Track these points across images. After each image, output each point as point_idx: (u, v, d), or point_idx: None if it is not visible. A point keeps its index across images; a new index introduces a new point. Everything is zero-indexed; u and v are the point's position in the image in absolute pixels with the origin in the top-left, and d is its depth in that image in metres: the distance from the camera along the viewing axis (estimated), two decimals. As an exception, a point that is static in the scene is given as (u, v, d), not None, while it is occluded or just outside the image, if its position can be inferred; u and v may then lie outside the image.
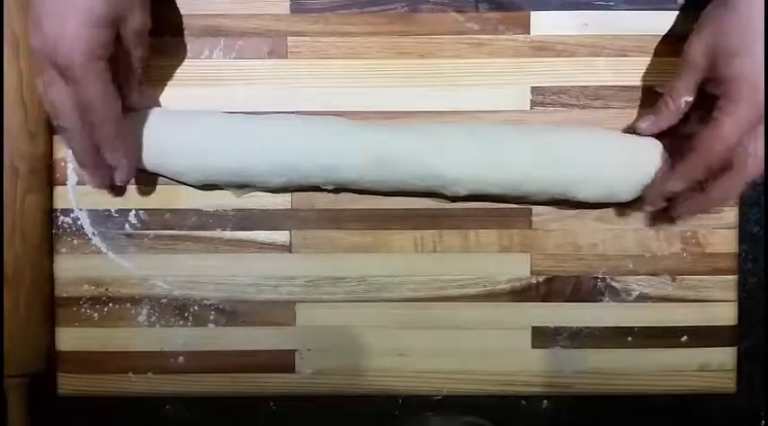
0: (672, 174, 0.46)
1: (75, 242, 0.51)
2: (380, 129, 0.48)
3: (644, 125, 0.48)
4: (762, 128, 0.44)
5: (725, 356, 0.51)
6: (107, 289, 0.51)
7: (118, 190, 0.51)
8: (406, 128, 0.48)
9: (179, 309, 0.51)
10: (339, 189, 0.50)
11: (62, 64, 0.42)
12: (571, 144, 0.47)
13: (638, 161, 0.47)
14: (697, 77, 0.46)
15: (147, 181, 0.51)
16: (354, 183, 0.48)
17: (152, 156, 0.48)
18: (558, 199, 0.49)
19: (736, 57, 0.43)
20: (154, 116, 0.48)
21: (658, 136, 0.48)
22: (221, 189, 0.51)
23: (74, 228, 0.51)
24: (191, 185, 0.50)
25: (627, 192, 0.48)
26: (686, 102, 0.47)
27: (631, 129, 0.50)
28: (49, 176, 0.51)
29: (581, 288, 0.51)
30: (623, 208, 0.51)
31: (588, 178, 0.47)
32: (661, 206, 0.48)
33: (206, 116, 0.48)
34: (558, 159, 0.47)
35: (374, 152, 0.47)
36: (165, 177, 0.50)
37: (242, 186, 0.50)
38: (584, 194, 0.48)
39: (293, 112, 0.50)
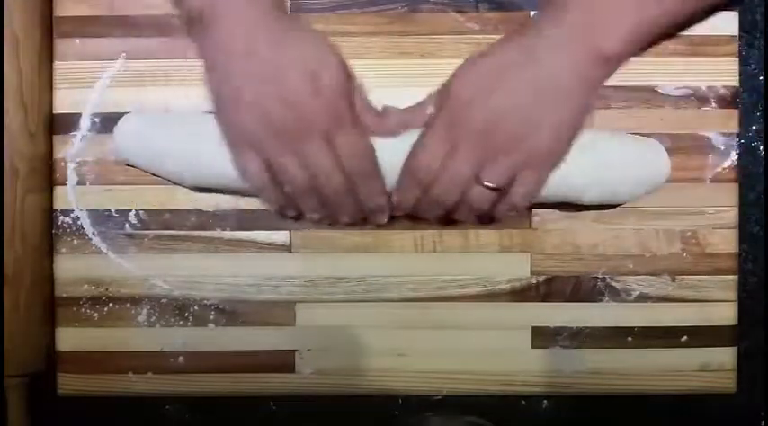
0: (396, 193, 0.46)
1: (76, 242, 0.51)
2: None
3: (392, 114, 0.46)
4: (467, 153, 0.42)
5: (725, 356, 0.51)
6: (107, 289, 0.51)
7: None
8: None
9: (179, 309, 0.51)
10: None
11: (332, 121, 0.41)
12: (576, 147, 0.47)
13: (641, 162, 0.47)
14: (441, 90, 0.44)
15: (147, 181, 0.51)
16: None
17: (150, 158, 0.48)
18: (561, 203, 0.49)
19: (461, 72, 0.42)
20: (152, 118, 0.48)
21: None
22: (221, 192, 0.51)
23: (74, 228, 0.51)
24: (187, 188, 0.50)
25: (630, 193, 0.48)
26: (430, 112, 0.45)
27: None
28: (49, 176, 0.51)
29: (581, 288, 0.51)
30: (623, 207, 0.51)
31: (594, 181, 0.47)
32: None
33: (201, 118, 0.48)
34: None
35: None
36: (164, 178, 0.50)
37: (236, 191, 0.50)
38: (589, 197, 0.48)
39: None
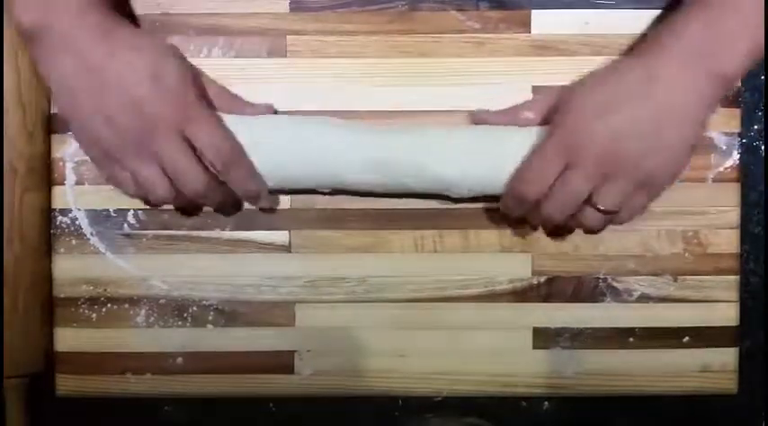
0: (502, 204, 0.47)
1: (74, 242, 0.51)
2: (380, 133, 0.47)
3: (479, 114, 0.48)
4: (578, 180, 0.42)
5: (726, 356, 0.51)
6: (105, 290, 0.51)
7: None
8: (404, 132, 0.47)
9: (178, 310, 0.51)
10: (336, 192, 0.49)
11: (180, 117, 0.42)
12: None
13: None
14: (546, 101, 0.46)
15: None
16: (353, 187, 0.48)
17: None
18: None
19: (579, 91, 0.43)
20: None
21: None
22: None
23: (72, 228, 0.51)
24: None
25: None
26: (527, 116, 0.46)
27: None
28: (47, 176, 0.51)
29: (582, 289, 0.51)
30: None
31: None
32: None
33: None
34: None
35: (374, 159, 0.46)
36: None
37: None
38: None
39: (292, 112, 0.50)
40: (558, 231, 0.49)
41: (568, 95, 0.44)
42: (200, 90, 0.45)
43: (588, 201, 0.43)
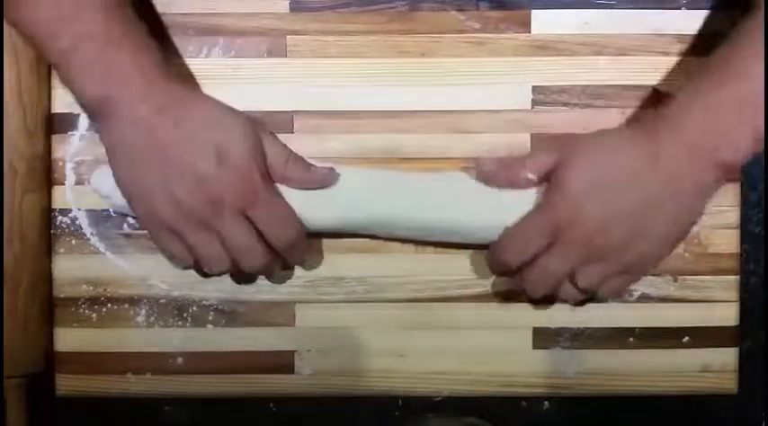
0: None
1: (74, 242, 0.51)
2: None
3: (484, 169, 0.46)
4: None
5: (726, 356, 0.51)
6: (105, 290, 0.51)
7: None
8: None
9: (178, 310, 0.51)
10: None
11: (244, 198, 0.41)
12: None
13: None
14: (546, 162, 0.44)
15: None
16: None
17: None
18: None
19: (578, 160, 0.42)
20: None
21: None
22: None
23: (72, 228, 0.51)
24: None
25: None
26: (526, 178, 0.44)
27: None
28: (47, 176, 0.51)
29: (582, 289, 0.51)
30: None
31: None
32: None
33: None
34: None
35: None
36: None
37: None
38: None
39: (292, 110, 0.50)
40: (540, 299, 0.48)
41: (565, 163, 0.42)
42: (266, 165, 0.44)
43: (569, 279, 0.43)
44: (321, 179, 0.45)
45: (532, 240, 0.42)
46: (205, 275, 0.47)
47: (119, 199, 0.46)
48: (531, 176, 0.44)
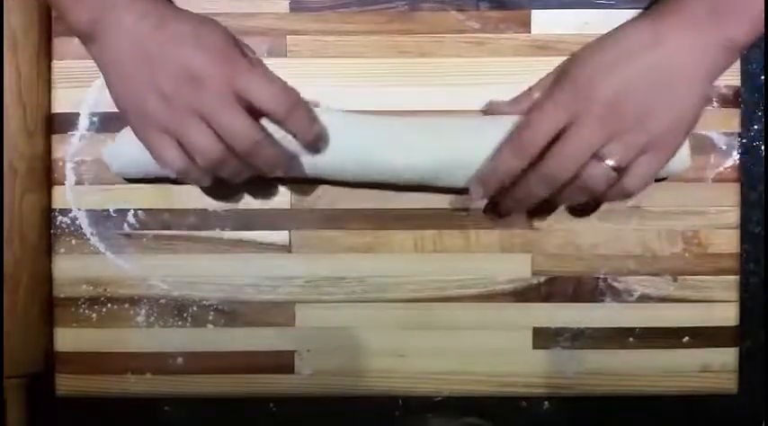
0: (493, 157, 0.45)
1: (74, 242, 0.51)
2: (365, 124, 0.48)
3: (495, 106, 0.49)
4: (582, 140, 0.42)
5: (726, 356, 0.51)
6: (105, 290, 0.51)
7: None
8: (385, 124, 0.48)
9: (178, 310, 0.51)
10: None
11: (228, 70, 0.42)
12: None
13: None
14: (554, 73, 0.46)
15: (146, 180, 0.51)
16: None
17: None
18: None
19: (585, 50, 0.44)
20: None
21: None
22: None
23: (72, 228, 0.51)
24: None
25: None
26: (537, 97, 0.47)
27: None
28: (47, 176, 0.51)
29: (582, 289, 0.51)
30: (625, 207, 0.50)
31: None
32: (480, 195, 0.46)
33: None
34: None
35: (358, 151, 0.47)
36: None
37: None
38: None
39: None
40: (540, 207, 0.47)
41: (573, 56, 0.44)
42: (240, 46, 0.46)
43: (594, 156, 0.42)
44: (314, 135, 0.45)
45: (551, 119, 0.42)
46: (193, 178, 0.46)
47: (132, 170, 0.48)
48: (540, 95, 0.46)
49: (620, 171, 0.42)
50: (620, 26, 0.44)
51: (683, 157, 0.47)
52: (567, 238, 0.51)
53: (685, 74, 0.41)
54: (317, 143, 0.46)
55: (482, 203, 0.50)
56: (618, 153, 0.42)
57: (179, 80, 0.42)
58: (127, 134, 0.47)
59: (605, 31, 0.50)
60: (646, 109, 0.41)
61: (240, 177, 0.46)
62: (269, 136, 0.44)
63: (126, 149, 0.48)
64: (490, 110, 0.49)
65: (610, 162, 0.42)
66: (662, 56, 0.41)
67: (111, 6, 0.43)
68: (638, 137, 0.42)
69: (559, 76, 0.45)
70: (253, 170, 0.45)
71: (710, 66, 0.42)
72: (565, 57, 0.50)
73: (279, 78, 0.45)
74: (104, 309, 0.51)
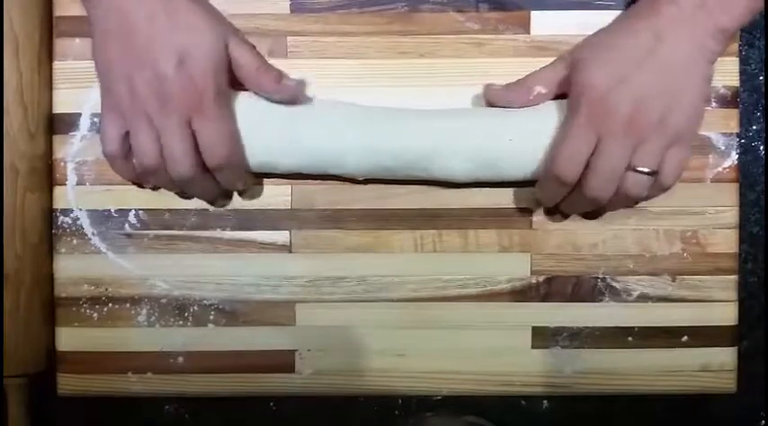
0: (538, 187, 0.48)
1: (75, 242, 0.51)
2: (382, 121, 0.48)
3: (492, 89, 0.49)
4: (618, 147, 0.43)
5: (725, 356, 0.51)
6: (107, 289, 0.51)
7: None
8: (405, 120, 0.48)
9: (179, 309, 0.51)
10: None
11: (192, 106, 0.43)
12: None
13: None
14: (557, 73, 0.47)
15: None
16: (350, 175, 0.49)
17: None
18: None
19: (591, 62, 0.44)
20: None
21: None
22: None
23: (73, 228, 0.51)
24: None
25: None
26: (539, 92, 0.47)
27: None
28: (48, 176, 0.51)
29: (581, 288, 0.51)
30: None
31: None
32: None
33: None
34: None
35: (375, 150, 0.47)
36: None
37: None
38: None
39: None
40: (599, 210, 0.49)
41: (580, 68, 0.44)
42: (227, 79, 0.45)
43: (628, 168, 0.44)
44: (289, 90, 0.47)
45: (583, 142, 0.43)
46: (121, 173, 0.48)
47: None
48: (543, 90, 0.47)
49: (654, 172, 0.44)
50: (617, 31, 0.45)
51: None
52: (566, 238, 0.51)
53: (689, 66, 0.43)
54: (236, 188, 0.50)
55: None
56: (648, 159, 0.43)
57: (148, 85, 0.42)
58: None
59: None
60: (663, 110, 0.43)
61: (170, 188, 0.49)
62: (204, 174, 0.45)
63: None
64: (487, 94, 0.49)
65: (644, 169, 0.44)
66: (665, 55, 0.42)
67: None
68: (662, 138, 0.43)
69: (574, 93, 0.44)
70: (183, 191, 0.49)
71: (706, 56, 0.43)
72: (564, 58, 0.50)
73: (229, 130, 0.45)
74: (105, 309, 0.51)
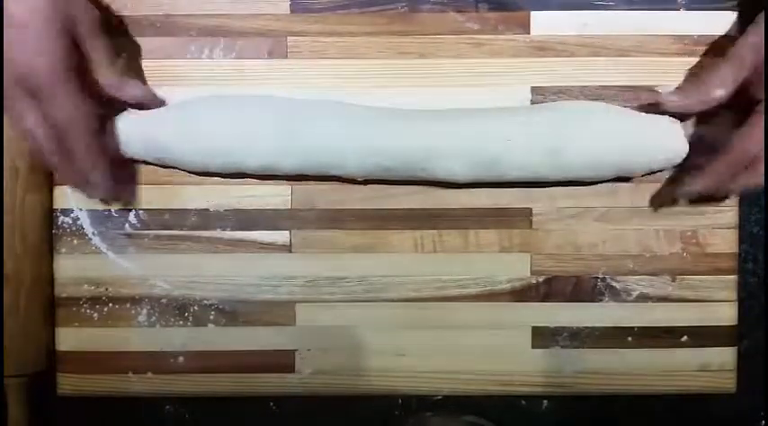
0: (699, 175, 0.46)
1: (75, 242, 0.51)
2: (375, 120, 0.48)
3: (670, 98, 0.47)
4: None
5: (725, 356, 0.51)
6: (107, 289, 0.51)
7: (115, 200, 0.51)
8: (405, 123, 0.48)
9: (179, 309, 0.51)
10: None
11: (33, 84, 0.42)
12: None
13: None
14: (737, 74, 0.45)
15: (147, 180, 0.51)
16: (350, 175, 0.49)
17: (154, 149, 0.48)
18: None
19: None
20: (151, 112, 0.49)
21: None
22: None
23: (74, 228, 0.51)
24: (190, 171, 0.50)
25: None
26: (719, 95, 0.46)
27: (654, 104, 0.48)
28: (49, 176, 0.51)
29: (581, 288, 0.51)
30: (624, 207, 0.51)
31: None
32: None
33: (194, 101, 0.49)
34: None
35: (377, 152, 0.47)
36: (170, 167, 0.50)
37: (233, 172, 0.49)
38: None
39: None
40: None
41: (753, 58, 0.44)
42: (71, 58, 0.44)
43: None
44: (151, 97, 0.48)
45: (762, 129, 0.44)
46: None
47: (131, 148, 0.48)
48: (721, 93, 0.46)
49: None
50: None
51: (679, 146, 0.47)
52: (566, 238, 0.51)
53: None
54: (89, 190, 0.48)
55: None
56: None
57: (9, 53, 0.42)
58: (134, 112, 0.48)
59: (604, 33, 0.50)
60: None
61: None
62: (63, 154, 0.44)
63: (129, 125, 0.48)
64: (659, 103, 0.47)
65: None
66: None
67: None
68: None
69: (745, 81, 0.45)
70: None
71: None
72: (564, 59, 0.50)
73: (76, 113, 0.44)
74: (106, 309, 0.51)
